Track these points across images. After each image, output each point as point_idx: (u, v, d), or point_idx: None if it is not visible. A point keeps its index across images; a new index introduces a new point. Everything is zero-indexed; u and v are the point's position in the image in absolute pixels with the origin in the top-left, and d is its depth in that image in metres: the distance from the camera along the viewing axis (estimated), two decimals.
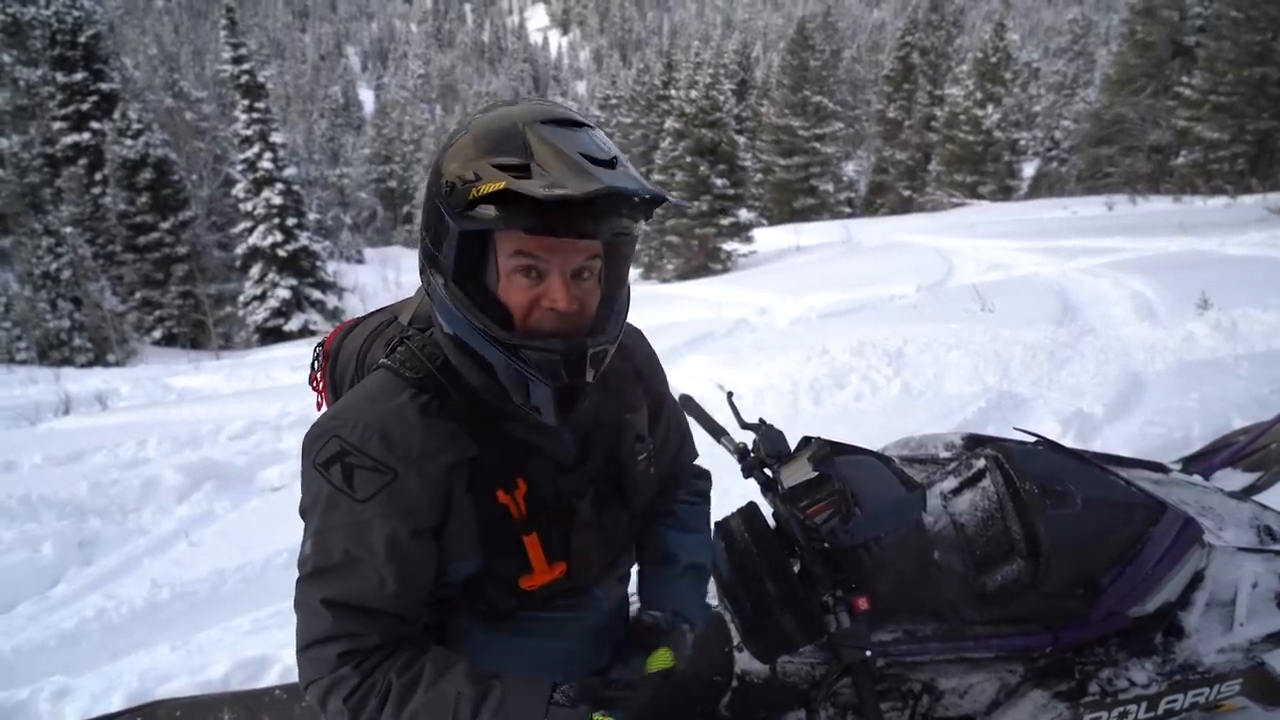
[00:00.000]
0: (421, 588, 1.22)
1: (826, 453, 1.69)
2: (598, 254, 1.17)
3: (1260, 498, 2.37)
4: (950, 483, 2.09)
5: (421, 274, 1.23)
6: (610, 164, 1.09)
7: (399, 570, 1.17)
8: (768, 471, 1.86)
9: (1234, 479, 2.56)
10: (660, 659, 1.43)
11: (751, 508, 1.84)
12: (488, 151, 1.09)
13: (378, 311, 1.56)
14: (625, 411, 1.39)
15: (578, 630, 1.38)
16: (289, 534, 4.32)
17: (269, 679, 3.15)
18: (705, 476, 1.71)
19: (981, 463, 2.02)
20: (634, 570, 1.57)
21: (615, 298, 1.25)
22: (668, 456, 1.59)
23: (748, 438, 1.97)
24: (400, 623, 1.20)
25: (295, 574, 1.23)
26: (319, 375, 1.57)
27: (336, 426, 1.19)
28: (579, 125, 1.13)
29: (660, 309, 13.60)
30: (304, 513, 1.22)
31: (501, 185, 1.03)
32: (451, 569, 1.23)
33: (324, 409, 1.49)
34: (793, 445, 1.84)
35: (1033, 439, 2.20)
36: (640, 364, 1.49)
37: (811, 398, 6.64)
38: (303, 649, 1.19)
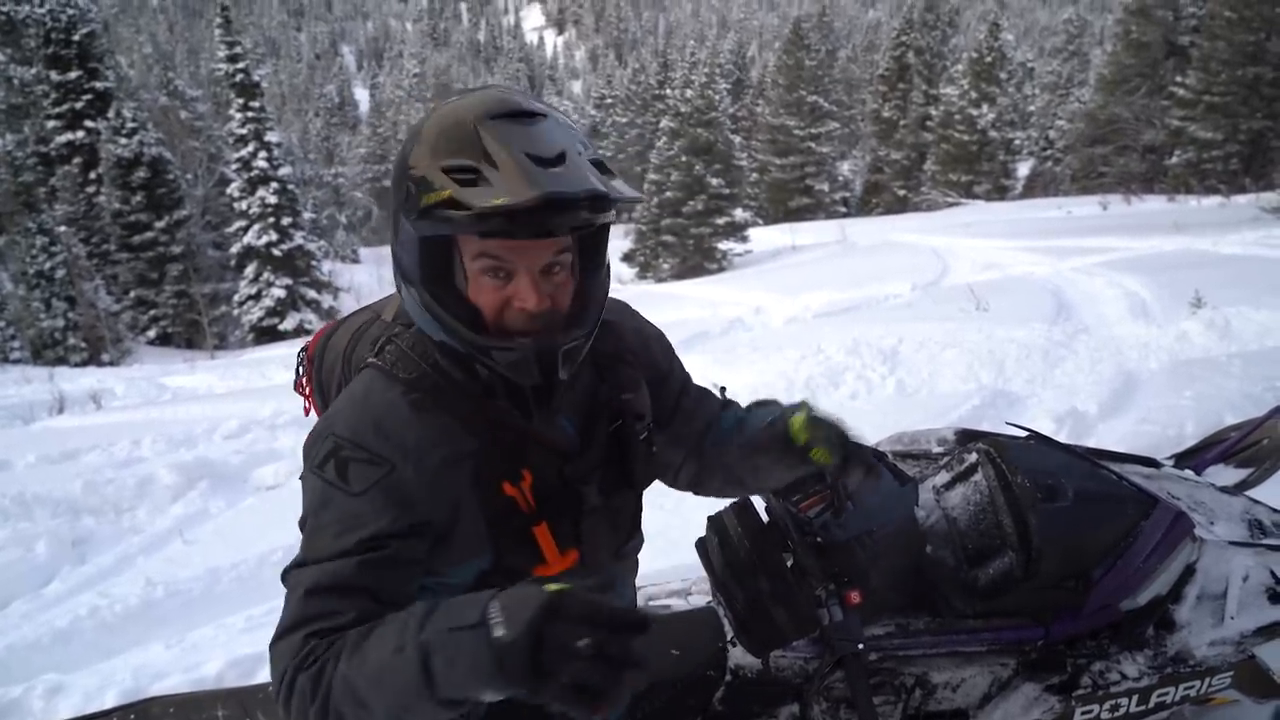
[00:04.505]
0: (409, 582, 1.16)
1: None
2: (567, 248, 1.15)
3: (1252, 493, 2.38)
4: (943, 477, 2.09)
5: (396, 279, 1.22)
6: (557, 160, 1.06)
7: (387, 561, 1.12)
8: None
9: (1226, 475, 2.57)
10: (798, 420, 1.41)
11: (744, 502, 1.84)
12: (441, 153, 1.07)
13: (358, 311, 1.54)
14: (622, 393, 1.37)
15: None
16: (283, 532, 4.32)
17: (263, 676, 3.14)
18: (731, 406, 1.69)
19: (974, 457, 2.03)
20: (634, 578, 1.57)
21: (590, 288, 1.23)
22: (698, 423, 1.60)
23: None
24: (380, 607, 1.10)
25: None
26: (304, 380, 1.54)
27: (331, 425, 1.18)
28: (530, 116, 1.11)
29: (655, 308, 13.50)
30: (303, 523, 1.18)
31: (447, 194, 1.03)
32: (464, 568, 1.21)
33: (311, 414, 1.49)
34: None
35: (1025, 433, 2.21)
36: (630, 342, 1.47)
37: (806, 397, 6.63)
38: (273, 644, 1.11)
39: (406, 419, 1.17)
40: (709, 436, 1.61)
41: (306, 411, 1.52)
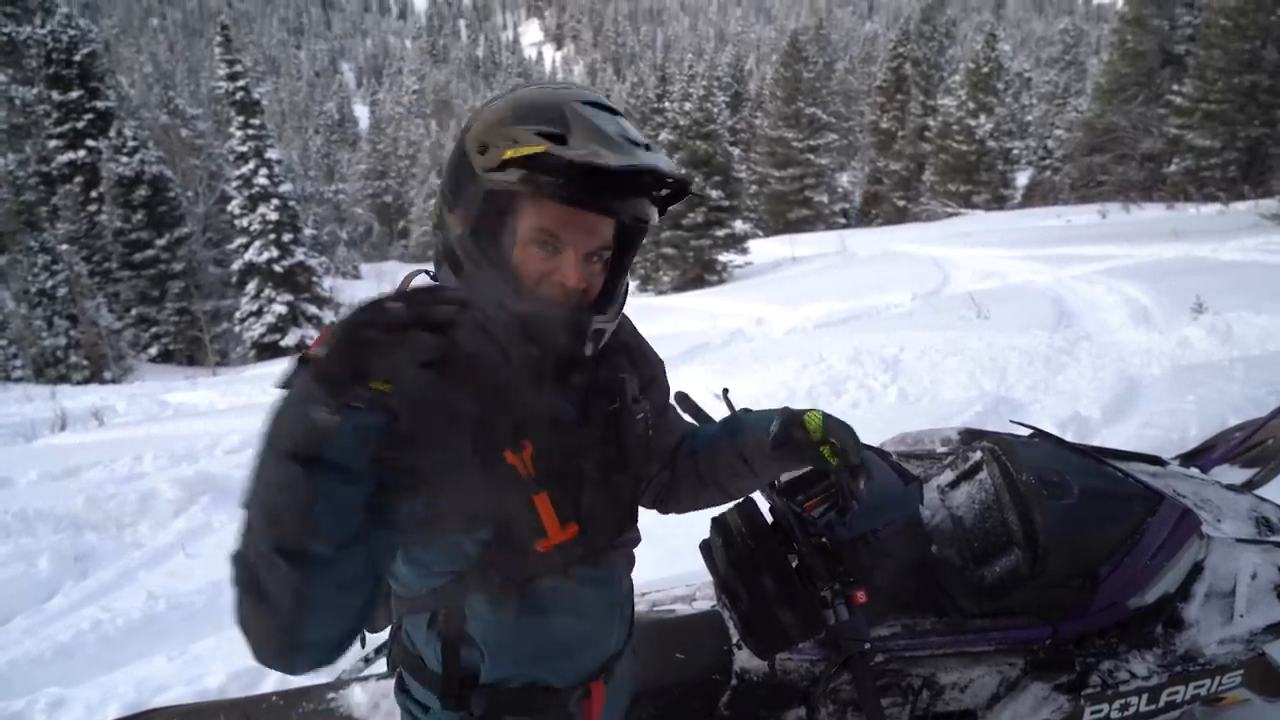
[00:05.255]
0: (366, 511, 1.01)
1: None
2: (608, 244, 1.20)
3: (1258, 493, 2.37)
4: (947, 476, 2.08)
5: (435, 233, 1.24)
6: (646, 147, 1.13)
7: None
8: None
9: (1231, 475, 2.56)
10: (813, 419, 1.43)
11: (748, 503, 1.83)
12: (525, 120, 1.11)
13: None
14: (619, 372, 1.39)
15: (593, 604, 1.35)
16: None
17: (265, 687, 3.13)
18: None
19: (978, 455, 2.02)
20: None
21: (618, 284, 1.27)
22: (671, 438, 1.62)
23: None
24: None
25: None
26: None
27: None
28: (615, 112, 1.17)
29: (656, 320, 13.61)
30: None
31: (541, 149, 1.05)
32: (465, 536, 1.20)
33: None
34: None
35: (1029, 432, 2.20)
36: (627, 337, 1.49)
37: (808, 405, 6.63)
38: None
39: (418, 378, 1.14)
40: (683, 447, 1.62)
41: None
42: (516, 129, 1.10)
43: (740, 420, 1.56)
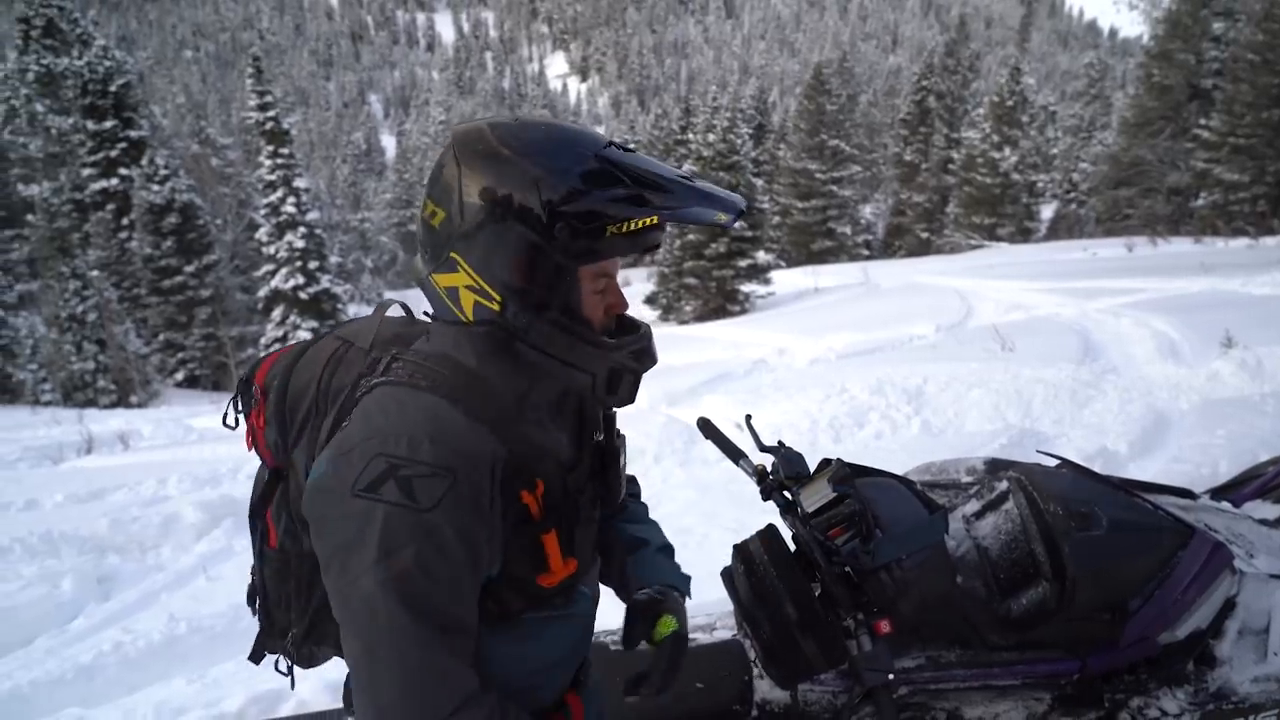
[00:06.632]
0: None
1: (846, 474, 1.67)
2: None
3: None
4: (973, 506, 2.05)
5: (502, 315, 1.19)
6: (686, 174, 1.18)
7: (476, 570, 1.15)
8: (787, 494, 1.82)
9: (1264, 510, 2.51)
10: (666, 624, 1.45)
11: (770, 530, 1.82)
12: (589, 184, 1.13)
13: (317, 340, 1.45)
14: (607, 409, 1.43)
15: (573, 627, 1.38)
16: None
17: (284, 710, 3.13)
18: (633, 480, 1.72)
19: (1004, 485, 1.99)
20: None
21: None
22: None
23: (766, 460, 1.95)
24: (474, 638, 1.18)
25: None
26: (254, 413, 1.40)
27: (375, 446, 1.11)
28: (622, 147, 1.21)
29: (679, 350, 13.60)
30: (342, 550, 1.10)
31: (655, 220, 1.14)
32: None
33: (254, 449, 1.42)
34: (812, 469, 1.83)
35: (1056, 462, 2.17)
36: None
37: (831, 435, 6.60)
38: (403, 690, 1.08)
39: (457, 425, 1.15)
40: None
41: (250, 444, 1.43)
42: (590, 199, 1.12)
43: (643, 553, 1.57)
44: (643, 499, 1.73)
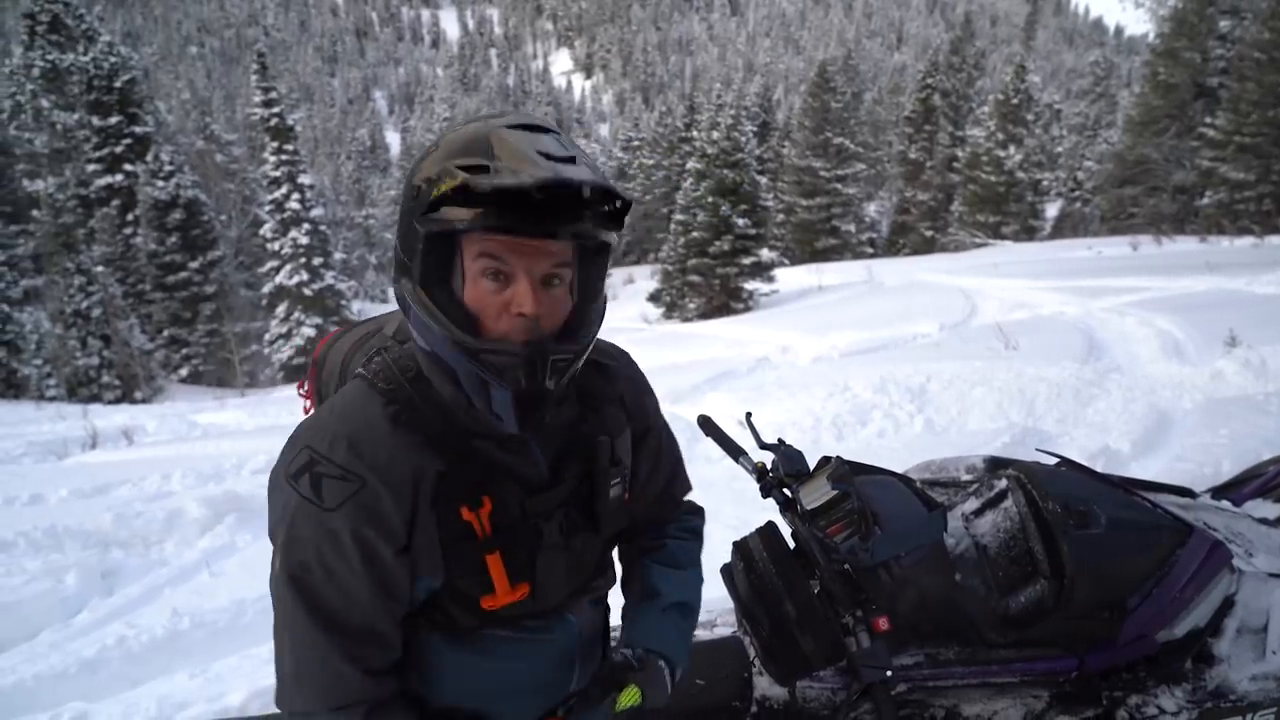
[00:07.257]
0: (398, 602, 1.19)
1: (846, 471, 1.67)
2: (568, 262, 1.15)
3: None
4: (972, 504, 2.06)
5: (394, 285, 1.21)
6: (568, 160, 1.08)
7: (374, 580, 1.15)
8: (786, 491, 1.83)
9: (1265, 509, 2.51)
10: (629, 696, 1.37)
11: (770, 527, 1.82)
12: (453, 155, 1.09)
13: (367, 321, 1.56)
14: (601, 433, 1.34)
15: (544, 653, 1.33)
16: None
17: None
18: (698, 513, 1.66)
19: (1003, 483, 1.99)
20: (616, 600, 1.54)
21: (586, 308, 1.23)
22: (656, 486, 1.54)
23: (767, 458, 1.96)
24: (384, 650, 1.19)
25: None
26: (307, 383, 1.58)
27: (308, 437, 1.17)
28: (544, 130, 1.13)
29: (682, 348, 13.62)
30: (272, 533, 1.18)
31: (459, 181, 1.04)
32: (417, 585, 1.20)
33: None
34: (812, 466, 1.83)
35: (1056, 460, 2.17)
36: (623, 388, 1.44)
37: (834, 433, 6.61)
38: (293, 673, 1.16)
39: (381, 433, 1.16)
40: (651, 534, 1.59)
41: (306, 412, 1.50)
42: (443, 165, 1.08)
43: (647, 606, 1.51)
44: (702, 534, 1.65)
